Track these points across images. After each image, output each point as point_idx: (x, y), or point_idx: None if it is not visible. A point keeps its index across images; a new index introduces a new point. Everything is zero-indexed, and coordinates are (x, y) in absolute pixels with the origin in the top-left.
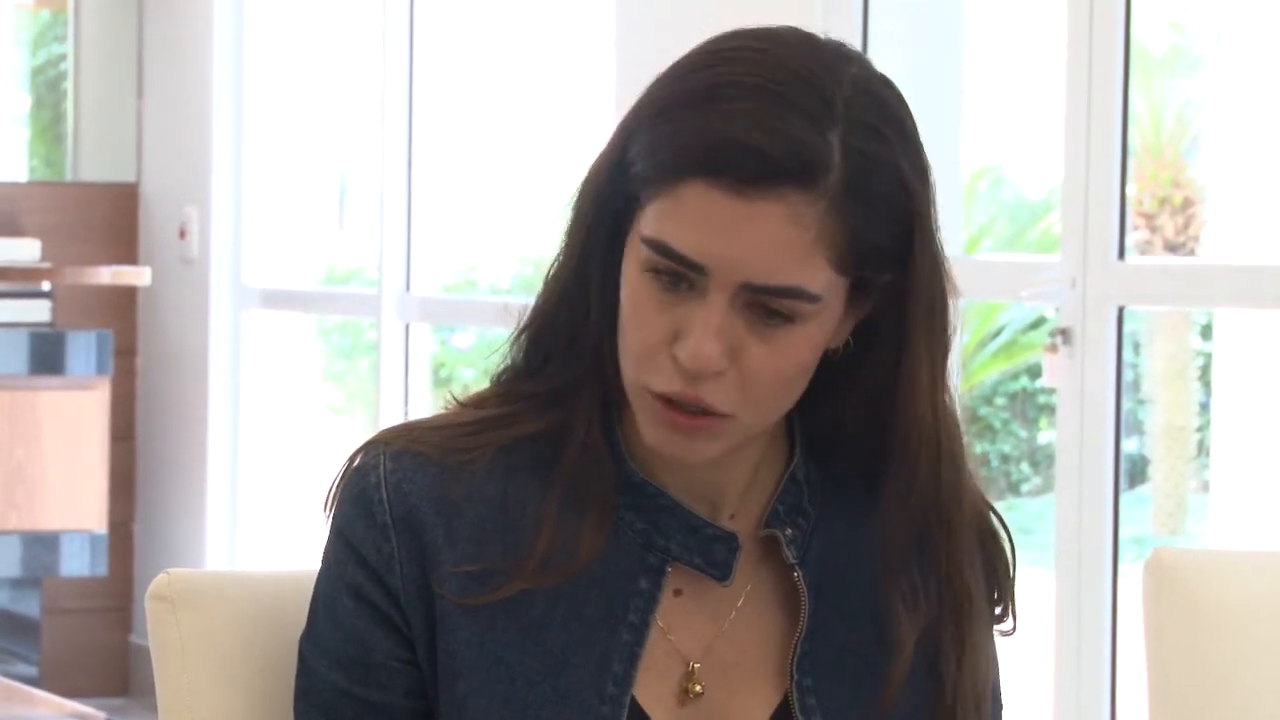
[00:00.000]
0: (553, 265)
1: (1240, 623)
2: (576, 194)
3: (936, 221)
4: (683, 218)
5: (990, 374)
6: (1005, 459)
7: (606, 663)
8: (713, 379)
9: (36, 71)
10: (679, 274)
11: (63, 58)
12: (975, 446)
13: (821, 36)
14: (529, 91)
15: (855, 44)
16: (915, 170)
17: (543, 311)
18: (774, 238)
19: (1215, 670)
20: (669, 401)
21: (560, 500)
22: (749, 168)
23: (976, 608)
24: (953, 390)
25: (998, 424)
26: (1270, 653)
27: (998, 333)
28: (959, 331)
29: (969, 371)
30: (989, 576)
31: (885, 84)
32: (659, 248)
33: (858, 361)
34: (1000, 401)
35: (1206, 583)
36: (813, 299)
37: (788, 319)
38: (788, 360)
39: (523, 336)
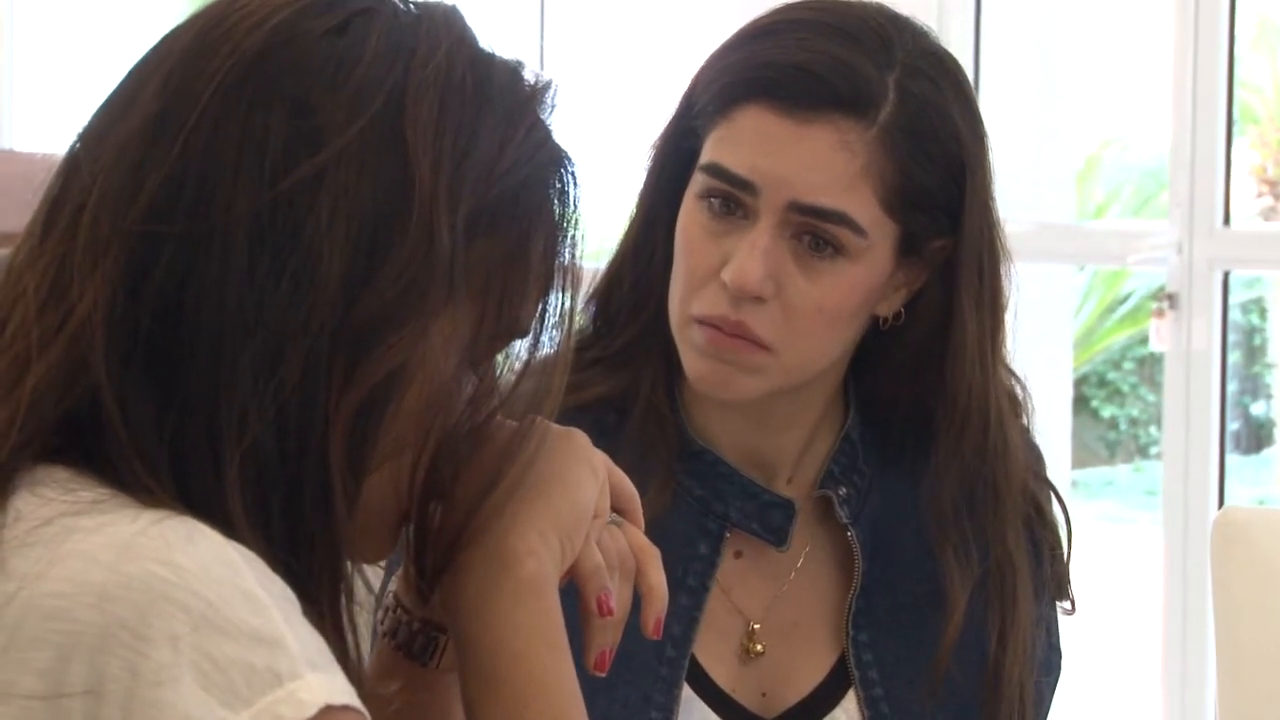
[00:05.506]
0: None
1: None
2: (648, 155)
3: (991, 189)
4: (737, 140)
5: (1118, 338)
6: (1134, 422)
7: (665, 626)
8: (755, 306)
9: None
10: (731, 198)
11: None
12: (1103, 411)
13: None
14: None
15: (969, 23)
16: (968, 126)
17: (611, 271)
18: (823, 159)
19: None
20: (712, 326)
21: (625, 464)
22: (801, 90)
23: (1020, 575)
24: (1007, 359)
25: (1126, 388)
26: None
27: (1125, 299)
28: (1011, 300)
29: (1096, 337)
30: (1038, 555)
31: (947, 53)
32: (713, 169)
33: (908, 326)
34: (1129, 366)
35: (1271, 538)
36: (859, 231)
37: (836, 250)
38: (830, 298)
39: (591, 302)
